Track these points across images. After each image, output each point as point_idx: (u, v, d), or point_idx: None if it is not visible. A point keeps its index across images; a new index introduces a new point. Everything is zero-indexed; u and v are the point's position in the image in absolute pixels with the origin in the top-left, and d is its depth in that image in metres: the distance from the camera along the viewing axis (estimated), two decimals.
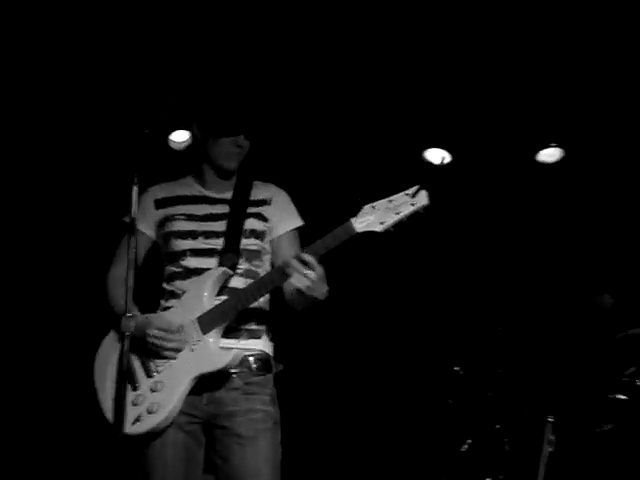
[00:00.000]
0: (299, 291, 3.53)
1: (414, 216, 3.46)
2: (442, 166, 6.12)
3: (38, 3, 5.18)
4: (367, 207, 3.50)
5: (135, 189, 3.44)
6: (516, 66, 5.79)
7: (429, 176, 3.54)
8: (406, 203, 3.45)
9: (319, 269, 3.50)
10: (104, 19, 5.32)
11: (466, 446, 5.72)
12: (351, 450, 6.38)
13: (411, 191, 3.46)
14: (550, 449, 5.14)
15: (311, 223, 3.96)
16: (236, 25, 5.52)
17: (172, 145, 6.17)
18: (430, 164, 6.45)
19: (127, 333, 3.33)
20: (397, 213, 3.44)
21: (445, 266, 6.64)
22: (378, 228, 3.46)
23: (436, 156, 6.44)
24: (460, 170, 6.39)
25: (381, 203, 3.48)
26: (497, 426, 5.75)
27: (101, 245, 4.27)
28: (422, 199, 3.44)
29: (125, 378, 3.34)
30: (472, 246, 6.63)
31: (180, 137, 6.16)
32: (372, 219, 3.47)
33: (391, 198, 3.48)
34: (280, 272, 3.58)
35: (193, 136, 3.97)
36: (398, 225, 3.46)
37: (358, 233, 3.49)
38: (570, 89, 5.92)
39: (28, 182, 6.18)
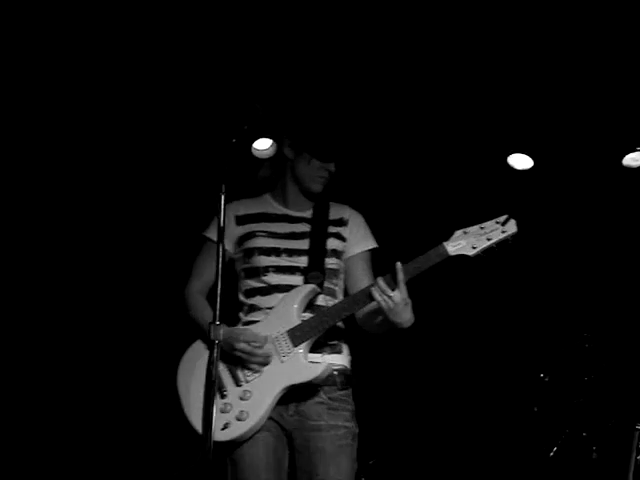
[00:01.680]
0: (382, 313, 3.65)
1: (503, 243, 3.66)
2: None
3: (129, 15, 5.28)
4: (459, 232, 3.68)
5: (222, 198, 3.49)
6: (600, 70, 5.71)
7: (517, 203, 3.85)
8: (497, 230, 3.65)
9: (404, 292, 3.61)
10: (193, 29, 5.41)
11: (552, 453, 5.66)
12: (435, 459, 6.34)
13: (501, 219, 3.66)
14: (638, 457, 5.05)
15: (388, 244, 4.10)
16: (333, 56, 5.63)
17: (255, 153, 6.21)
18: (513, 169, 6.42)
19: (217, 341, 3.37)
20: (488, 239, 3.64)
21: (532, 271, 6.58)
22: (470, 252, 3.65)
23: (520, 162, 6.40)
24: (545, 175, 6.36)
25: (473, 229, 3.67)
26: (584, 434, 5.68)
27: (184, 255, 4.32)
28: (512, 227, 3.65)
29: (214, 386, 3.38)
30: (560, 251, 6.56)
31: (263, 145, 6.20)
32: (464, 244, 3.65)
33: (482, 225, 3.67)
34: (366, 294, 3.69)
35: (281, 151, 4.06)
36: (488, 251, 3.65)
37: (450, 256, 3.65)
38: None
39: (116, 195, 6.27)
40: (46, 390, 6.17)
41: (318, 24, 5.45)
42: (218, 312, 3.41)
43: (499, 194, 6.42)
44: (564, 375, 5.90)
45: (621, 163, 6.33)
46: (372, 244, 4.04)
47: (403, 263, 3.65)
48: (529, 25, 5.42)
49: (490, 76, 5.88)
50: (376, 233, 4.08)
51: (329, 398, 3.79)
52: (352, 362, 3.96)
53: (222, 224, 3.47)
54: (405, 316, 3.65)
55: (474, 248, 3.63)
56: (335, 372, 3.82)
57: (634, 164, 6.34)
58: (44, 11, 5.14)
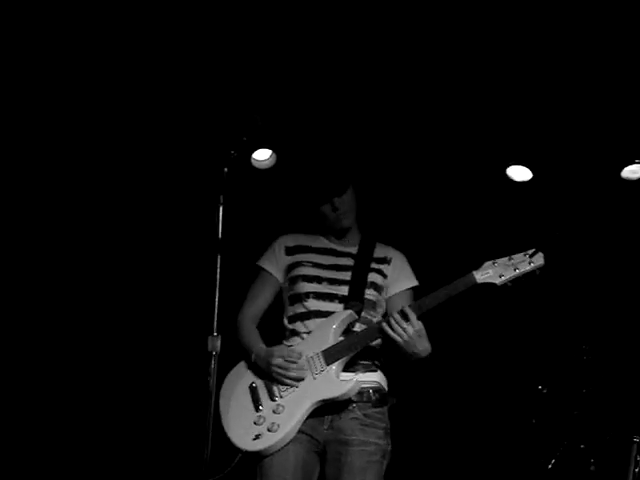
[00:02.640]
0: (398, 345, 3.83)
1: (530, 274, 3.92)
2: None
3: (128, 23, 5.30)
4: (488, 262, 3.94)
5: (221, 209, 3.52)
6: (600, 83, 5.72)
7: (547, 241, 4.05)
8: (524, 262, 3.91)
9: (417, 324, 3.81)
10: (193, 41, 5.43)
11: (550, 466, 5.65)
12: (434, 471, 6.33)
13: (530, 252, 3.91)
14: (636, 470, 5.05)
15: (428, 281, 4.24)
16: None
17: (255, 164, 6.21)
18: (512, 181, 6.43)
19: (214, 353, 3.47)
20: (516, 269, 3.89)
21: (530, 283, 6.56)
22: (497, 281, 3.92)
23: (519, 173, 6.40)
24: (544, 187, 6.36)
25: (501, 260, 3.93)
26: (582, 446, 5.67)
27: (190, 264, 4.39)
28: (539, 260, 3.91)
29: (211, 399, 3.52)
30: (558, 263, 6.54)
31: (262, 155, 6.19)
32: (492, 273, 3.92)
33: (511, 256, 3.94)
34: (377, 327, 3.91)
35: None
36: (515, 281, 3.92)
37: (477, 284, 3.91)
38: None
39: (115, 204, 6.27)
40: (46, 391, 6.17)
41: (315, 34, 5.47)
42: (216, 323, 3.48)
43: (498, 206, 6.43)
44: (562, 387, 5.90)
45: (620, 175, 6.34)
46: (412, 282, 4.24)
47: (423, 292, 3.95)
48: (528, 37, 5.43)
49: (489, 88, 5.90)
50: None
51: (363, 415, 3.96)
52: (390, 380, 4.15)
53: (220, 235, 3.54)
54: (422, 346, 3.85)
55: (501, 277, 3.88)
56: (370, 390, 4.00)
57: (633, 176, 6.34)
58: (44, 12, 5.16)
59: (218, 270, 3.49)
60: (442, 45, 5.56)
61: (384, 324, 3.83)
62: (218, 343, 3.47)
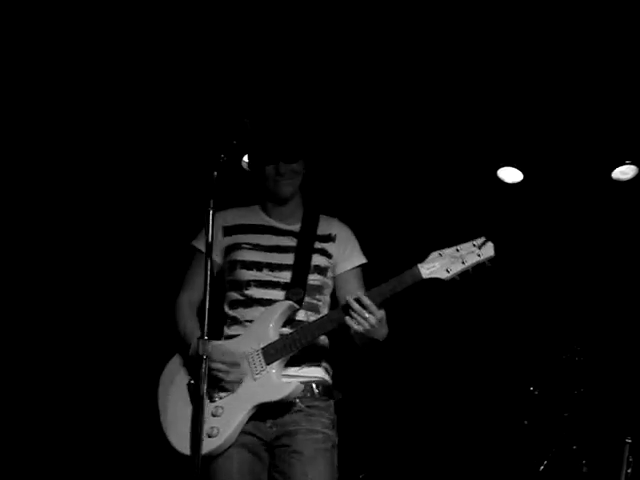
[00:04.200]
0: (358, 333, 3.63)
1: (479, 267, 3.58)
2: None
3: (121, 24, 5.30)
4: (434, 254, 3.62)
5: (211, 213, 3.49)
6: (590, 84, 5.73)
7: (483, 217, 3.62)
8: (473, 253, 3.57)
9: (379, 313, 3.60)
10: (184, 46, 5.43)
11: (542, 467, 5.66)
12: (425, 473, 6.33)
13: (478, 242, 3.57)
14: (629, 471, 5.06)
15: (376, 259, 4.07)
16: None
17: (245, 167, 6.19)
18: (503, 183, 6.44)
19: (204, 356, 3.38)
20: (463, 262, 3.58)
21: (522, 284, 6.59)
22: (444, 276, 3.59)
23: (509, 175, 6.41)
24: (535, 189, 6.37)
25: (448, 251, 3.60)
26: (574, 447, 5.68)
27: (173, 268, 4.33)
28: (488, 251, 3.56)
29: (203, 401, 3.39)
30: (550, 264, 6.57)
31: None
32: (438, 266, 3.59)
33: (458, 247, 3.59)
34: (340, 314, 3.68)
35: (249, 170, 4.07)
36: (463, 274, 3.59)
37: (424, 279, 3.60)
38: None
39: (107, 206, 6.27)
40: (46, 392, 6.17)
41: (303, 32, 5.47)
42: (206, 327, 3.40)
43: (488, 208, 6.43)
44: (554, 388, 5.89)
45: (611, 176, 6.35)
46: (360, 260, 4.01)
47: (380, 283, 3.65)
48: (519, 40, 5.44)
49: (480, 89, 5.90)
50: (365, 247, 4.06)
51: (307, 406, 3.79)
52: (337, 375, 3.96)
53: (210, 239, 3.48)
54: (380, 333, 3.67)
55: (448, 272, 3.58)
56: (313, 383, 3.82)
57: (623, 177, 6.36)
58: (43, 11, 5.14)
59: (208, 273, 3.43)
60: (434, 45, 5.56)
61: (347, 318, 3.60)
62: (209, 347, 3.40)
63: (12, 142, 5.85)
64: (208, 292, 3.41)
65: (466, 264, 3.56)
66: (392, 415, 6.49)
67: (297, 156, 3.94)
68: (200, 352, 3.39)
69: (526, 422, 5.91)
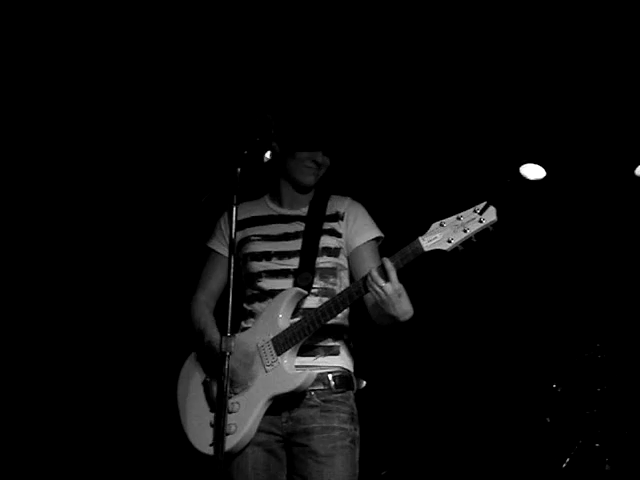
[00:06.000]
0: (378, 306, 3.51)
1: (483, 233, 3.41)
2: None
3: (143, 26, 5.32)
4: (435, 224, 3.46)
5: (235, 209, 3.48)
6: (614, 81, 5.71)
7: (497, 192, 3.49)
8: (474, 220, 3.40)
9: (397, 285, 3.45)
10: (206, 42, 5.45)
11: (565, 465, 5.65)
12: (447, 470, 6.32)
13: (479, 207, 3.41)
14: None
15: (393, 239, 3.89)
16: (319, 44, 5.62)
17: (268, 155, 6.20)
18: (525, 179, 6.42)
19: (228, 353, 3.37)
20: (465, 230, 3.40)
21: (545, 281, 6.57)
22: (445, 247, 3.42)
23: (532, 172, 6.40)
24: (557, 184, 6.36)
25: (449, 220, 3.44)
26: (597, 445, 5.65)
27: (190, 267, 4.32)
28: (491, 215, 3.39)
29: (225, 399, 3.37)
30: (574, 261, 6.55)
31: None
32: (439, 237, 3.42)
33: (459, 215, 3.43)
34: (359, 285, 3.56)
35: (272, 150, 3.95)
36: (466, 243, 3.42)
37: (425, 252, 3.45)
38: None
39: (131, 208, 6.29)
40: (46, 392, 6.18)
41: (317, 23, 5.48)
42: (230, 324, 3.39)
43: (511, 204, 6.40)
44: (577, 386, 5.87)
45: (634, 173, 6.32)
46: (375, 233, 3.88)
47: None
48: (543, 36, 5.43)
49: (503, 86, 5.89)
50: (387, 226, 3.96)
51: (322, 401, 3.70)
52: (360, 362, 3.87)
53: (234, 236, 3.47)
54: (400, 309, 3.50)
55: (450, 242, 3.39)
56: (329, 375, 3.73)
57: None
58: (47, 12, 5.18)
59: (232, 270, 3.42)
60: (458, 43, 5.57)
61: (368, 279, 3.45)
62: (232, 344, 3.38)
63: (36, 138, 5.88)
64: (232, 289, 3.40)
65: (468, 232, 3.38)
66: (415, 410, 6.48)
67: (334, 152, 3.88)
68: (223, 349, 3.37)
69: (548, 419, 5.90)
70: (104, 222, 6.27)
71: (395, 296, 3.45)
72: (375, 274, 3.46)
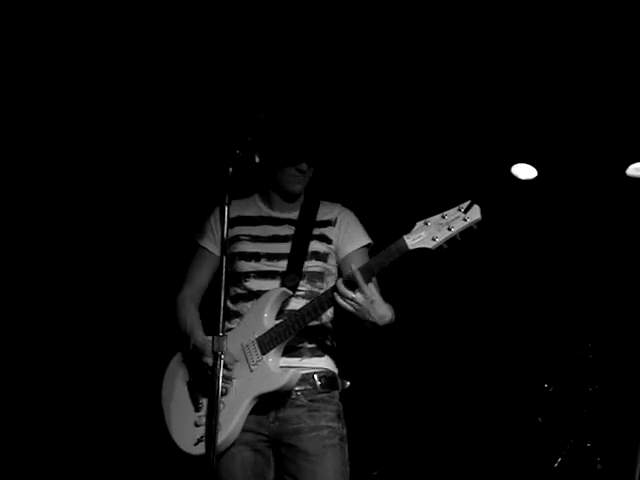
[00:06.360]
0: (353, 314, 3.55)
1: (467, 232, 3.43)
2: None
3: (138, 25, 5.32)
4: (420, 223, 3.48)
5: (227, 209, 3.49)
6: (604, 80, 5.71)
7: (481, 190, 3.53)
8: (459, 218, 3.42)
9: (367, 292, 3.49)
10: (199, 42, 5.45)
11: (557, 464, 5.65)
12: (439, 470, 6.33)
13: (463, 206, 3.43)
14: None
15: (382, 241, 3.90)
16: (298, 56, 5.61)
17: (257, 158, 6.18)
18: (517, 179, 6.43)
19: (219, 353, 3.39)
20: (450, 229, 3.42)
21: (536, 281, 6.58)
22: (430, 245, 3.44)
23: (524, 172, 6.40)
24: (548, 185, 6.36)
25: (434, 219, 3.47)
26: (588, 445, 5.66)
27: (176, 264, 4.32)
28: (475, 214, 3.42)
29: (219, 397, 3.38)
30: (564, 261, 6.56)
31: None
32: (424, 235, 3.45)
33: (444, 213, 3.46)
34: (329, 296, 3.60)
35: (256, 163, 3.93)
36: (451, 241, 3.44)
37: (410, 250, 3.47)
38: None
39: (121, 204, 6.27)
40: (48, 392, 6.16)
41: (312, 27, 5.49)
42: (221, 324, 3.41)
43: (497, 202, 6.41)
44: (568, 385, 5.88)
45: (625, 173, 6.33)
46: (365, 240, 3.93)
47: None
48: (533, 35, 5.43)
49: (494, 86, 5.89)
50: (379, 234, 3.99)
51: (309, 400, 3.74)
52: (344, 362, 3.91)
53: (226, 235, 3.49)
54: (376, 314, 3.54)
55: (434, 240, 3.42)
56: (315, 375, 3.77)
57: (638, 174, 6.34)
58: (48, 12, 5.17)
59: (224, 270, 3.43)
60: (449, 42, 5.56)
61: (335, 294, 3.50)
62: (224, 343, 3.40)
63: (34, 138, 5.88)
64: (223, 289, 3.42)
65: (452, 230, 3.41)
66: (404, 411, 6.48)
67: (318, 158, 3.91)
68: (215, 349, 3.40)
69: (540, 419, 5.90)
70: (95, 220, 6.24)
71: (367, 303, 3.50)
72: (342, 287, 3.50)
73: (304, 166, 3.86)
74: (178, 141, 6.04)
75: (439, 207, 3.50)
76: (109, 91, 5.75)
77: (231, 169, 3.51)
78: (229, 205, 3.50)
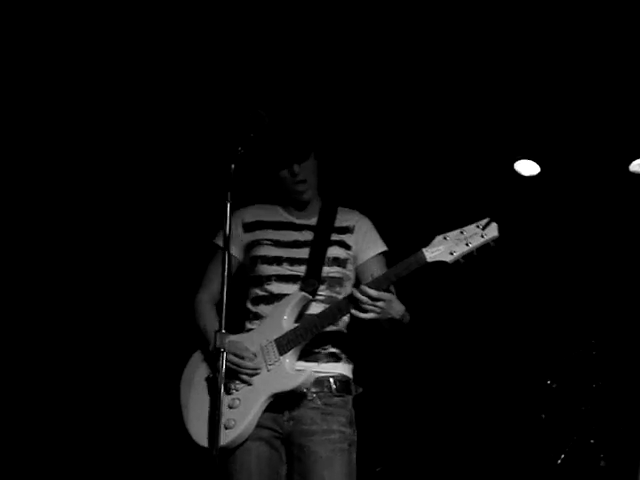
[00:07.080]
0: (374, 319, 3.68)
1: (484, 248, 3.61)
2: None
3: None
4: (439, 237, 3.65)
5: (229, 206, 3.51)
6: (607, 77, 5.71)
7: (500, 209, 3.78)
8: (477, 235, 3.60)
9: (387, 296, 3.66)
10: (199, 39, 5.45)
11: (560, 461, 5.65)
12: (442, 467, 6.33)
13: (482, 223, 3.61)
14: None
15: (395, 247, 4.08)
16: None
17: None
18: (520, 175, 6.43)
19: (222, 350, 3.44)
20: (467, 244, 3.60)
21: (539, 278, 6.57)
22: (448, 259, 3.62)
23: (526, 168, 6.40)
24: (552, 182, 6.35)
25: (452, 234, 3.64)
26: (592, 441, 5.66)
27: (191, 263, 4.33)
28: (492, 231, 3.59)
29: (220, 394, 3.45)
30: (567, 257, 6.55)
31: None
32: (442, 249, 3.62)
33: (462, 229, 3.63)
34: (347, 303, 3.73)
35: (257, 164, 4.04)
36: (468, 256, 3.61)
37: (428, 263, 3.62)
38: None
39: (122, 202, 6.27)
40: (47, 393, 6.16)
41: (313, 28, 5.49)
42: (224, 320, 3.46)
43: (506, 200, 6.41)
44: (571, 382, 5.89)
45: (628, 169, 6.32)
46: (382, 247, 4.05)
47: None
48: (537, 32, 5.42)
49: (497, 82, 5.88)
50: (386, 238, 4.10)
51: (324, 404, 3.82)
52: (357, 368, 3.99)
53: (228, 232, 3.52)
54: (394, 311, 3.72)
55: (451, 254, 3.60)
56: (331, 379, 3.85)
57: None
58: (48, 12, 5.18)
59: (226, 267, 3.46)
60: (451, 38, 5.56)
61: (352, 310, 3.69)
62: (227, 340, 3.44)
63: (34, 136, 5.89)
64: (226, 285, 3.45)
65: (470, 246, 3.59)
66: (408, 407, 6.48)
67: (307, 154, 3.96)
68: (217, 345, 3.45)
69: (543, 416, 5.91)
70: (98, 219, 6.25)
71: (387, 306, 3.67)
72: (363, 298, 3.64)
73: (296, 167, 3.92)
74: (179, 139, 6.05)
75: (455, 222, 3.68)
76: (109, 90, 5.75)
77: (233, 166, 3.53)
78: (231, 202, 3.53)
